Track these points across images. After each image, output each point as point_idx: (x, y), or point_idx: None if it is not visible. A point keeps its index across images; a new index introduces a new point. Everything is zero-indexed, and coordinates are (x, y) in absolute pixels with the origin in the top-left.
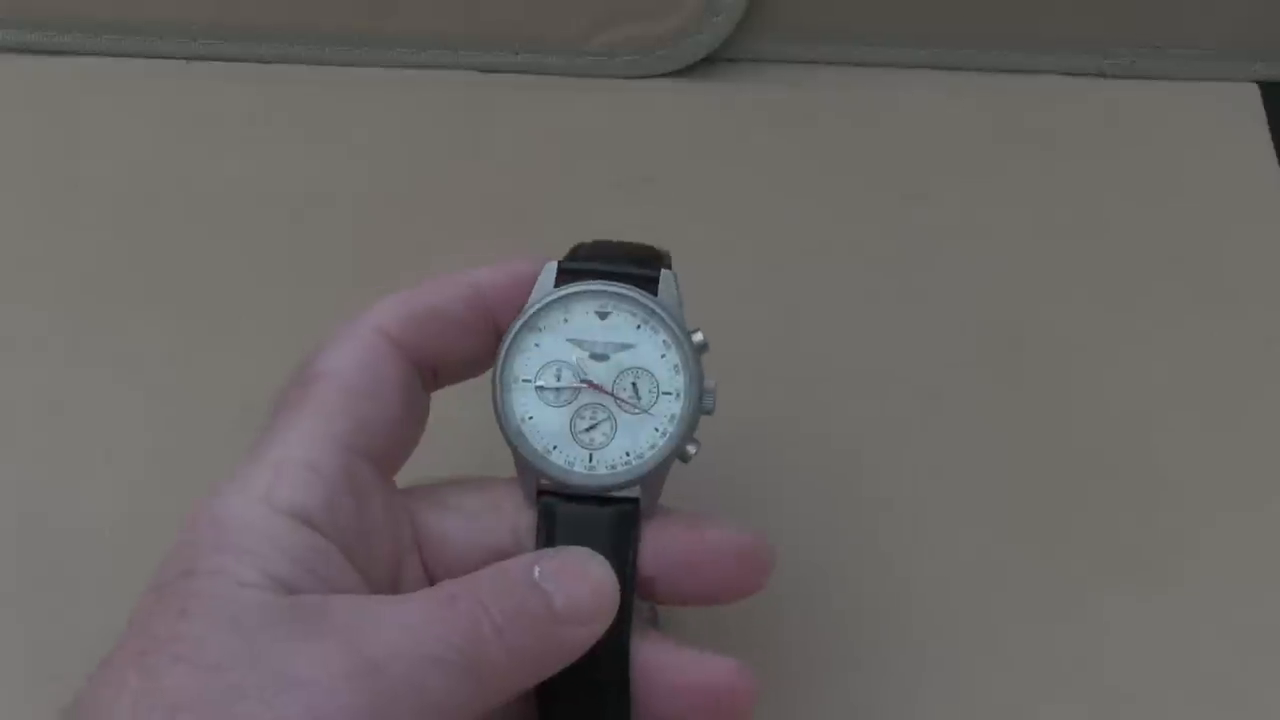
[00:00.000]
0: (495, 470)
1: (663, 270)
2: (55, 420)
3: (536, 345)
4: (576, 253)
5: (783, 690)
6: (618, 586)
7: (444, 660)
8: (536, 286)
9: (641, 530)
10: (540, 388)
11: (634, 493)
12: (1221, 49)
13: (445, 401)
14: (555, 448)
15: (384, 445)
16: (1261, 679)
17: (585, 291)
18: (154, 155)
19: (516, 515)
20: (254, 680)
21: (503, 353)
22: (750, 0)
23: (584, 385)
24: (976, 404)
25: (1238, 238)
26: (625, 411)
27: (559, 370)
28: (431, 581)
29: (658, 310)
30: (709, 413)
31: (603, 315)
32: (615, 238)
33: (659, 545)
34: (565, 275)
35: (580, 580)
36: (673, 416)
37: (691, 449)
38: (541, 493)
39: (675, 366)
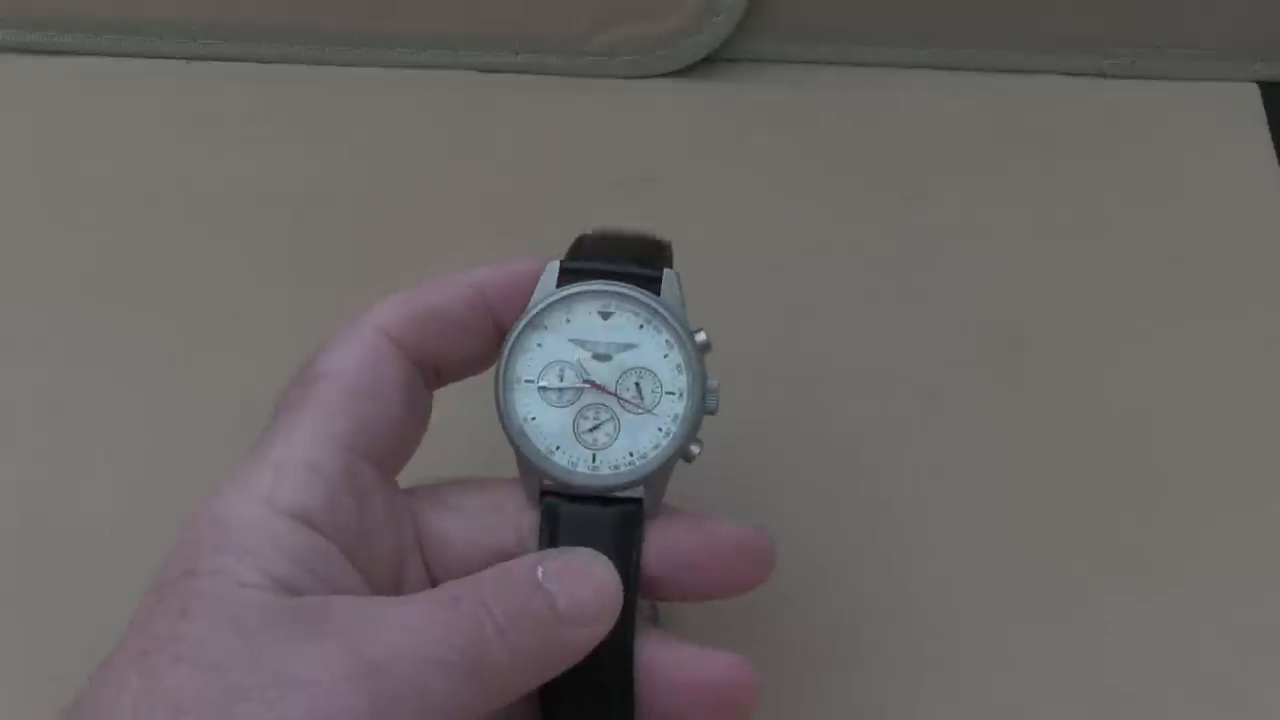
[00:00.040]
0: (497, 469)
1: (665, 270)
2: (55, 420)
3: (539, 345)
4: (580, 245)
5: (783, 690)
6: (621, 587)
7: (446, 662)
8: (539, 286)
9: (645, 530)
10: (543, 388)
11: (637, 493)
12: (1221, 49)
13: (447, 400)
14: (558, 448)
15: (385, 445)
16: (1261, 679)
17: (588, 292)
18: (154, 155)
19: (519, 516)
20: (255, 681)
21: (505, 353)
22: (750, 0)
23: (587, 385)
24: (976, 404)
25: (1238, 238)
26: (628, 412)
27: (562, 370)
28: (433, 582)
29: (660, 310)
30: (712, 412)
31: (605, 315)
32: (618, 227)
33: (662, 544)
34: (567, 275)
35: (584, 581)
36: (676, 416)
37: (695, 449)
38: (544, 493)
39: (678, 366)
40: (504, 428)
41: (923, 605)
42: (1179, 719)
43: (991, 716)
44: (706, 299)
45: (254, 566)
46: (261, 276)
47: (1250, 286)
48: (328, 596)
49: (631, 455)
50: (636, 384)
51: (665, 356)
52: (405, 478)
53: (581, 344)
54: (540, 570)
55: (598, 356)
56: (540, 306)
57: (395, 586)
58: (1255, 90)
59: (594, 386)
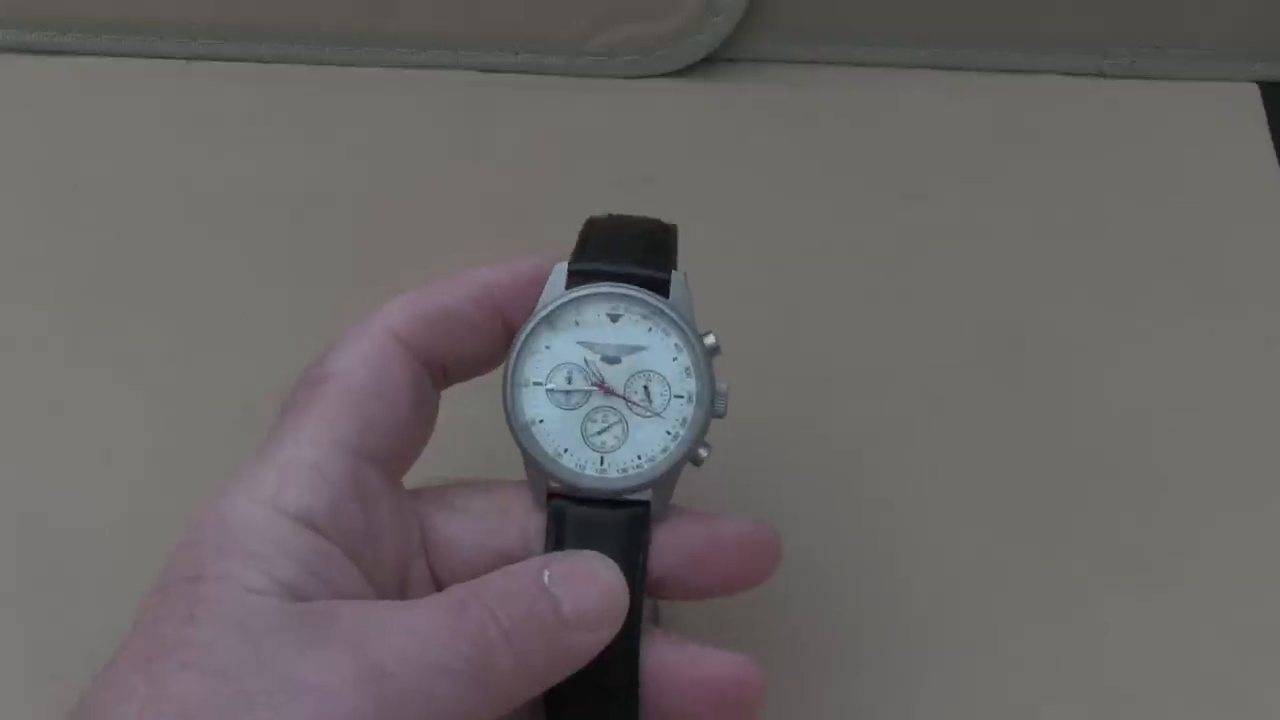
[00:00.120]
0: (501, 469)
1: (674, 272)
2: (55, 420)
3: (547, 347)
4: (589, 237)
5: (783, 690)
6: (627, 590)
7: (451, 668)
8: (547, 288)
9: (652, 533)
10: (551, 390)
11: (645, 496)
12: (1221, 49)
13: (453, 400)
14: (566, 450)
15: (392, 447)
16: (1261, 679)
17: (597, 294)
18: (154, 155)
19: (525, 518)
20: (262, 687)
21: (513, 355)
22: (750, 0)
23: (595, 388)
24: (976, 404)
25: (1238, 238)
26: (637, 414)
27: (570, 373)
28: (438, 584)
29: (670, 313)
30: (721, 416)
31: (614, 318)
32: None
33: (669, 545)
34: (576, 277)
35: (590, 584)
36: (684, 420)
37: (703, 452)
38: (551, 495)
39: (687, 369)
40: (511, 429)
41: (923, 605)
42: (1179, 719)
43: (991, 716)
44: (706, 299)
45: (260, 571)
46: (261, 276)
47: (1250, 286)
48: (333, 601)
49: (640, 458)
50: (645, 387)
51: (674, 359)
52: (411, 477)
53: (590, 346)
54: (546, 574)
55: (606, 359)
56: (549, 308)
57: (400, 588)
58: (1255, 90)
59: (602, 389)
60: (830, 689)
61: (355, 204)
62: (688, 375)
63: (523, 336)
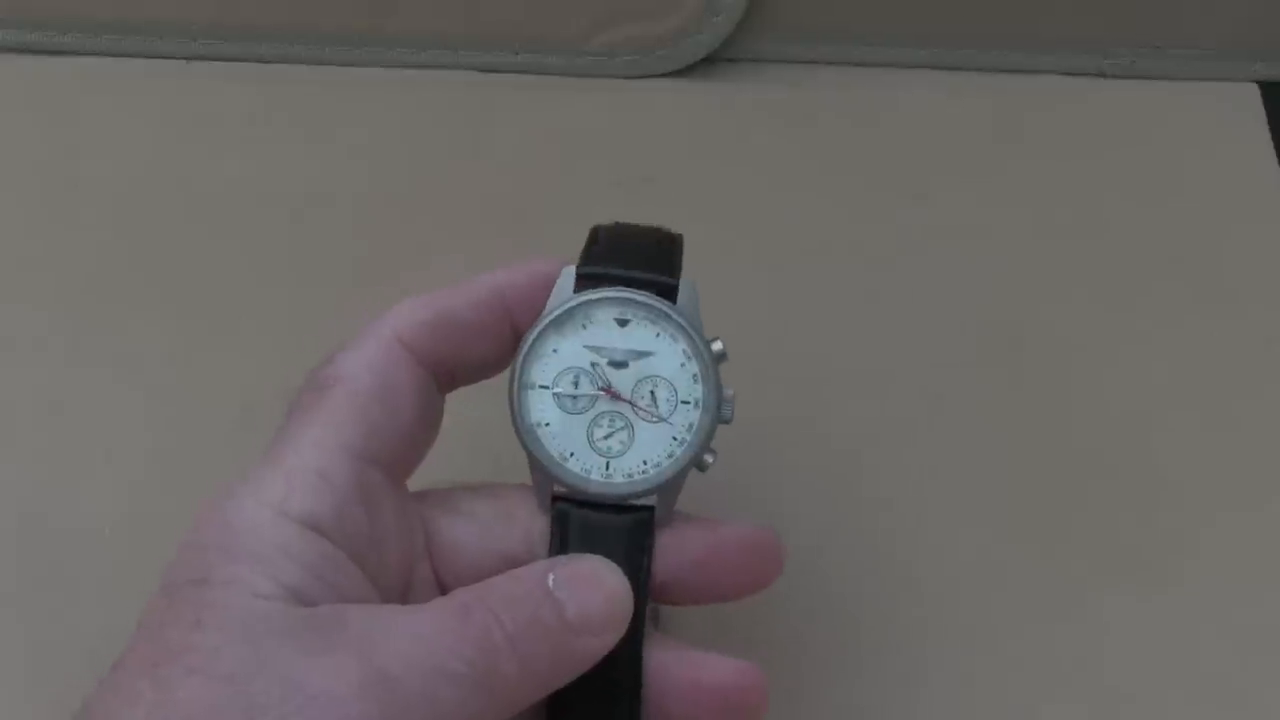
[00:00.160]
0: (506, 472)
1: (682, 279)
2: (55, 420)
3: (555, 351)
4: (595, 244)
5: (783, 690)
6: (631, 595)
7: (456, 672)
8: (555, 291)
9: (656, 539)
10: (558, 394)
11: (650, 501)
12: (1221, 49)
13: (458, 403)
14: (572, 455)
15: (397, 451)
16: (1261, 679)
17: (605, 298)
18: (154, 155)
19: (530, 522)
20: (267, 692)
21: (520, 358)
22: (750, 0)
23: (602, 393)
24: (976, 404)
25: (1238, 238)
26: (643, 420)
27: (577, 377)
28: (442, 588)
29: (678, 319)
30: (727, 422)
31: (622, 323)
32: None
33: (672, 550)
34: (584, 281)
35: (594, 589)
36: (691, 426)
37: (709, 458)
38: (556, 499)
39: (694, 376)
40: (517, 433)
41: (923, 605)
42: (1179, 719)
43: (991, 716)
44: (706, 299)
45: (266, 575)
46: (261, 276)
47: (1250, 286)
48: (339, 605)
49: (645, 464)
50: (652, 392)
51: (682, 366)
52: (416, 480)
53: (598, 351)
54: (551, 578)
55: (614, 364)
56: (557, 312)
57: (404, 592)
58: (1255, 90)
59: (609, 394)
60: (830, 688)
61: (355, 204)
62: (695, 381)
63: (530, 339)
